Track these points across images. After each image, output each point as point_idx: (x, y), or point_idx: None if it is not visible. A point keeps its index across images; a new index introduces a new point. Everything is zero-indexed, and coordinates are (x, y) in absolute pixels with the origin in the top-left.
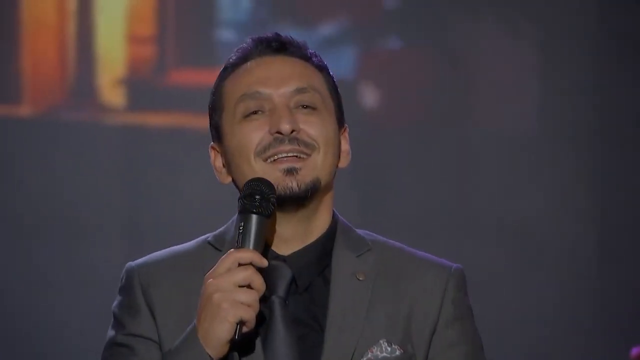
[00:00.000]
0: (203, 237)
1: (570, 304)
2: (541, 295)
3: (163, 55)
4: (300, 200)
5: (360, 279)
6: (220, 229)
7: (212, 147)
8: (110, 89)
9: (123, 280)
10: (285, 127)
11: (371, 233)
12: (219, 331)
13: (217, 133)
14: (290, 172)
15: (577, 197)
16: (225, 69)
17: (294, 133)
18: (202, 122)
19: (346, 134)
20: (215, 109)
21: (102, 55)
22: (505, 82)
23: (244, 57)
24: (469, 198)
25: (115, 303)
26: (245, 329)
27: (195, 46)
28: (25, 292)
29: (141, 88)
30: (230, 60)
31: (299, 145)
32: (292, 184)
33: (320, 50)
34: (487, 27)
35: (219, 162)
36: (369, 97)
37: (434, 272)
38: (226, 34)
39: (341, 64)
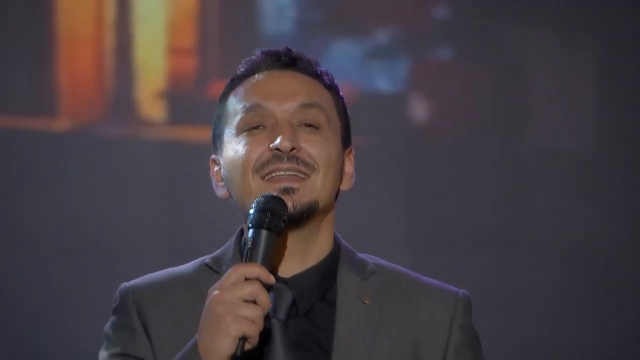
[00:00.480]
0: (200, 258)
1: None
2: (606, 319)
3: (204, 67)
4: (294, 221)
5: (366, 302)
6: (218, 250)
7: (212, 160)
8: (149, 102)
9: (117, 301)
10: (285, 145)
11: (373, 256)
12: (220, 345)
13: (217, 145)
14: (286, 191)
15: (637, 217)
16: (232, 80)
17: (294, 151)
18: None
19: (351, 156)
20: (218, 121)
21: (141, 67)
22: (562, 96)
23: (252, 70)
24: (523, 217)
25: (108, 324)
26: (248, 346)
27: (238, 58)
28: (65, 315)
29: (182, 101)
30: (238, 72)
31: (298, 164)
32: (287, 204)
33: (367, 62)
34: (543, 39)
35: (218, 175)
36: (419, 110)
37: (441, 298)
38: (269, 46)
39: (391, 75)
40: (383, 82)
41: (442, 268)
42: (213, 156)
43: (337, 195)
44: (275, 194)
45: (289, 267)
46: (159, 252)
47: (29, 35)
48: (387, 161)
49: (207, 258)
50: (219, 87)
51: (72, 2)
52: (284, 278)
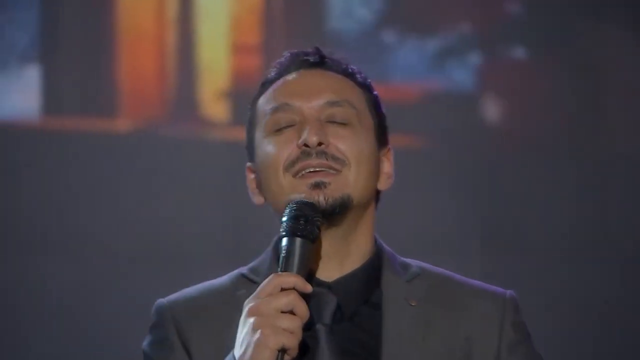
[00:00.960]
0: (237, 270)
1: None
2: None
3: (269, 66)
4: (327, 216)
5: (413, 304)
6: (255, 260)
7: (248, 168)
8: (212, 102)
9: (155, 318)
10: (312, 140)
11: (415, 260)
12: (259, 358)
13: (251, 151)
14: (317, 186)
15: None
16: (262, 84)
17: (322, 146)
18: None
19: (390, 156)
20: (249, 126)
21: (204, 66)
22: None
23: (280, 72)
24: (600, 221)
25: (146, 342)
26: (287, 358)
27: None
28: (125, 325)
29: (246, 101)
30: (268, 75)
31: (327, 160)
32: (318, 198)
33: (437, 61)
34: (622, 35)
35: (252, 183)
36: (491, 110)
37: (489, 298)
38: (336, 44)
39: (462, 75)
40: (453, 82)
41: (514, 275)
42: (248, 164)
43: (378, 197)
44: (306, 200)
45: (330, 271)
46: (220, 256)
47: (88, 32)
48: (457, 163)
49: (244, 269)
50: None
51: None
52: (326, 282)
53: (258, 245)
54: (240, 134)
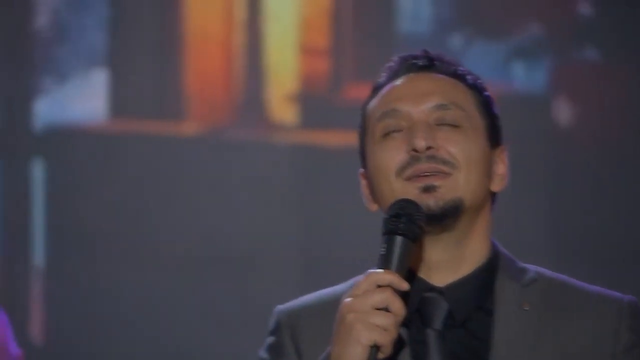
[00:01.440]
0: (355, 277)
1: None
2: None
3: (339, 68)
4: (438, 220)
5: (526, 308)
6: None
7: (361, 174)
8: (281, 104)
9: (271, 324)
10: (421, 144)
11: (535, 266)
12: (351, 354)
13: (363, 158)
14: (427, 189)
15: None
16: (373, 90)
17: (432, 150)
18: None
19: (504, 156)
20: (360, 133)
21: (272, 68)
22: None
23: (389, 77)
24: None
25: (262, 348)
26: (381, 356)
27: (373, 59)
28: (195, 330)
29: (315, 104)
30: (378, 80)
31: (437, 164)
32: (429, 202)
33: (508, 63)
34: None
35: (366, 189)
36: (564, 113)
37: (607, 303)
38: (405, 46)
39: (533, 77)
40: (525, 84)
41: (588, 280)
42: (361, 170)
43: (493, 199)
44: (410, 198)
45: (443, 276)
46: (288, 260)
47: (155, 35)
48: (530, 167)
49: (361, 276)
50: (353, 89)
51: (201, 0)
52: (438, 287)
53: (324, 249)
54: (308, 137)
